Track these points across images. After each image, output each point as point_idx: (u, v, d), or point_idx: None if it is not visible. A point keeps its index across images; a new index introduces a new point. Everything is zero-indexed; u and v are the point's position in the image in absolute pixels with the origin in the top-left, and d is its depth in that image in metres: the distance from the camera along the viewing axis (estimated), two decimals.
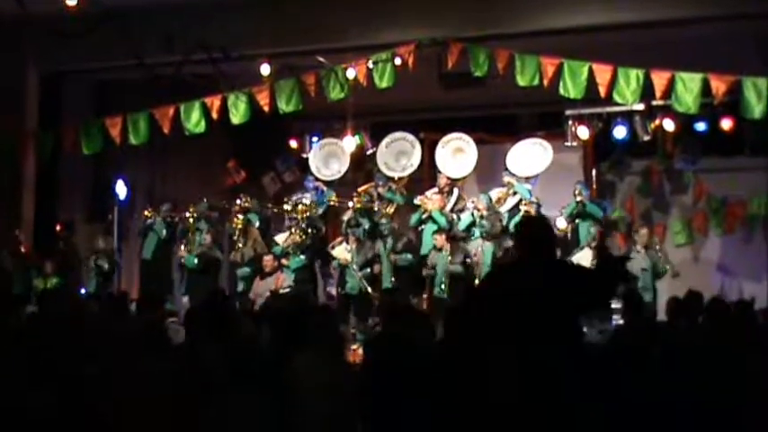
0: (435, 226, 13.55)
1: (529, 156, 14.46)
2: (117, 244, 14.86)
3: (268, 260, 13.62)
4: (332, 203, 14.75)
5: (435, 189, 14.38)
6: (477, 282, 12.53)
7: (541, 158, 14.39)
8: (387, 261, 13.46)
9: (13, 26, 12.39)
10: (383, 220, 13.81)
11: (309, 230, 14.08)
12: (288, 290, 13.12)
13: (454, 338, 5.30)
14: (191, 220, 14.40)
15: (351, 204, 14.03)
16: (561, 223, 13.47)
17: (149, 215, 14.63)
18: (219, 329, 6.12)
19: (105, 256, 14.05)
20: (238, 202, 14.59)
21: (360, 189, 14.74)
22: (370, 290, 13.29)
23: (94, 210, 15.50)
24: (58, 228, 14.52)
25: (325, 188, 15.02)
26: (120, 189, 14.90)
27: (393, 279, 13.33)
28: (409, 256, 13.44)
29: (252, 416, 4.79)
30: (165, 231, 14.54)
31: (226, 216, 14.84)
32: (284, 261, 13.84)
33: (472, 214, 13.55)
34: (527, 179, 14.18)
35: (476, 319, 5.03)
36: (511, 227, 13.22)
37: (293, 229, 14.10)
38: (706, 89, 11.37)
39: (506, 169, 14.28)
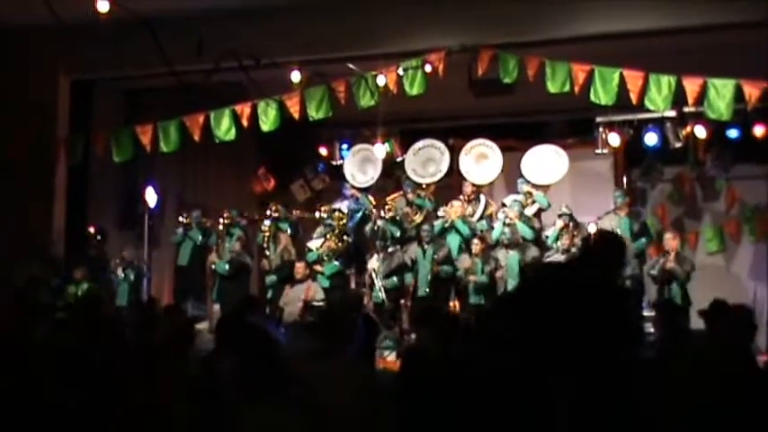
0: (459, 236, 13.53)
1: (544, 163, 14.44)
2: (147, 251, 14.92)
3: (300, 267, 13.58)
4: (368, 212, 14.71)
5: (461, 198, 14.37)
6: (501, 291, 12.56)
7: (557, 165, 14.36)
8: (425, 269, 13.38)
9: (44, 34, 12.45)
10: (425, 226, 13.78)
11: (345, 237, 14.11)
12: (321, 302, 13.09)
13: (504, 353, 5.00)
14: (220, 227, 14.48)
15: (381, 214, 14.02)
16: (593, 229, 13.38)
17: (187, 221, 14.68)
18: (240, 341, 6.08)
19: (131, 265, 14.08)
20: (268, 212, 14.64)
21: (389, 198, 14.75)
22: (386, 300, 13.32)
23: (125, 217, 15.55)
24: (92, 230, 14.58)
25: (359, 195, 15.01)
26: (151, 196, 14.95)
27: (429, 288, 13.28)
28: (450, 268, 13.35)
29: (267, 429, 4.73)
30: (200, 238, 14.59)
31: (256, 223, 14.89)
32: (317, 268, 13.85)
33: (504, 223, 13.49)
34: (538, 187, 14.16)
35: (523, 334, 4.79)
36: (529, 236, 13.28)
37: (328, 236, 14.13)
38: (739, 95, 11.26)
39: (522, 177, 14.26)
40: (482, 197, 14.47)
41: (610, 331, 4.57)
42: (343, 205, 14.85)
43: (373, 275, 13.58)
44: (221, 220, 14.51)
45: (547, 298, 4.79)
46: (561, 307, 4.64)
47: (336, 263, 13.95)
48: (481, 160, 14.74)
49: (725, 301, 7.32)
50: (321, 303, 13.02)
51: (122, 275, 13.98)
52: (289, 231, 14.70)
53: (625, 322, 4.75)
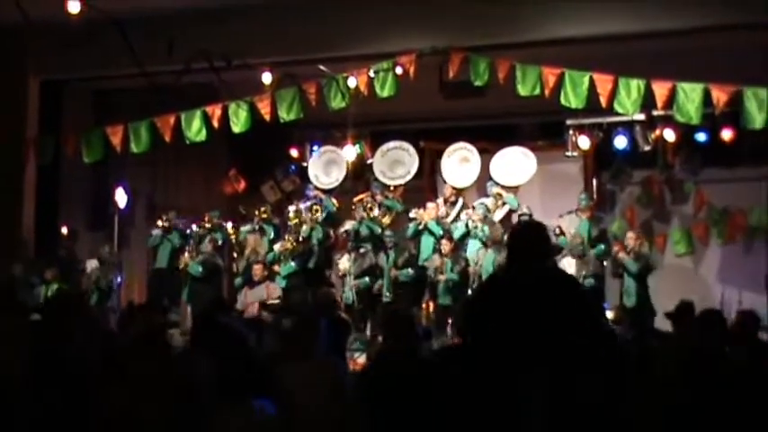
0: (432, 237, 13.56)
1: (512, 165, 14.51)
2: (117, 252, 14.84)
3: (257, 269, 13.60)
4: (334, 211, 14.79)
5: (441, 200, 14.41)
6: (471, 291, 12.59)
7: (525, 167, 14.44)
8: (388, 275, 13.45)
9: (14, 34, 12.38)
10: (387, 232, 13.85)
11: (301, 238, 14.11)
12: (277, 300, 13.13)
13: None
14: (195, 227, 14.42)
15: (363, 214, 14.07)
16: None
17: (166, 224, 14.56)
18: (215, 341, 6.07)
19: (104, 272, 13.96)
20: (256, 213, 14.65)
21: (356, 199, 14.77)
22: (356, 302, 13.45)
23: (95, 218, 15.47)
24: (64, 231, 14.49)
25: (323, 197, 15.00)
26: (121, 197, 14.87)
27: (390, 293, 13.38)
28: (411, 271, 13.41)
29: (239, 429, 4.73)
30: (178, 240, 14.50)
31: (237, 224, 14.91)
32: (276, 268, 13.87)
33: (467, 224, 13.54)
34: (508, 188, 14.23)
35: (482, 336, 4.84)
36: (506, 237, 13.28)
37: (286, 237, 14.16)
38: (707, 99, 11.35)
39: (491, 179, 14.33)
40: (460, 200, 14.50)
41: (554, 318, 4.62)
42: (305, 206, 14.82)
43: (347, 276, 13.63)
44: (204, 223, 14.46)
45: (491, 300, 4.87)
46: (509, 304, 4.71)
47: (292, 263, 13.95)
48: (464, 164, 14.78)
49: (691, 302, 7.37)
50: (277, 301, 13.10)
51: (93, 281, 13.82)
52: (272, 235, 14.70)
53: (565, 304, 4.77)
